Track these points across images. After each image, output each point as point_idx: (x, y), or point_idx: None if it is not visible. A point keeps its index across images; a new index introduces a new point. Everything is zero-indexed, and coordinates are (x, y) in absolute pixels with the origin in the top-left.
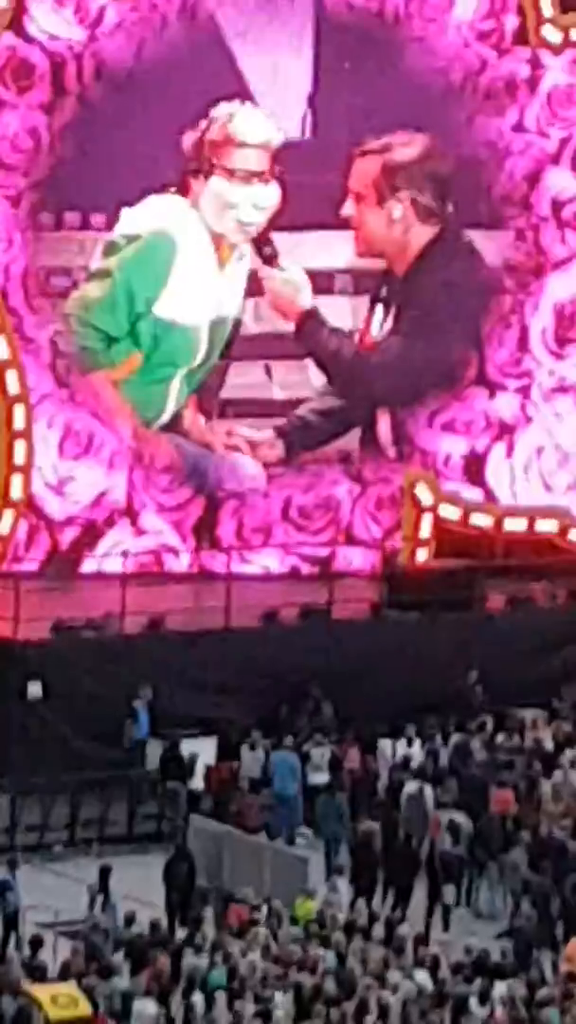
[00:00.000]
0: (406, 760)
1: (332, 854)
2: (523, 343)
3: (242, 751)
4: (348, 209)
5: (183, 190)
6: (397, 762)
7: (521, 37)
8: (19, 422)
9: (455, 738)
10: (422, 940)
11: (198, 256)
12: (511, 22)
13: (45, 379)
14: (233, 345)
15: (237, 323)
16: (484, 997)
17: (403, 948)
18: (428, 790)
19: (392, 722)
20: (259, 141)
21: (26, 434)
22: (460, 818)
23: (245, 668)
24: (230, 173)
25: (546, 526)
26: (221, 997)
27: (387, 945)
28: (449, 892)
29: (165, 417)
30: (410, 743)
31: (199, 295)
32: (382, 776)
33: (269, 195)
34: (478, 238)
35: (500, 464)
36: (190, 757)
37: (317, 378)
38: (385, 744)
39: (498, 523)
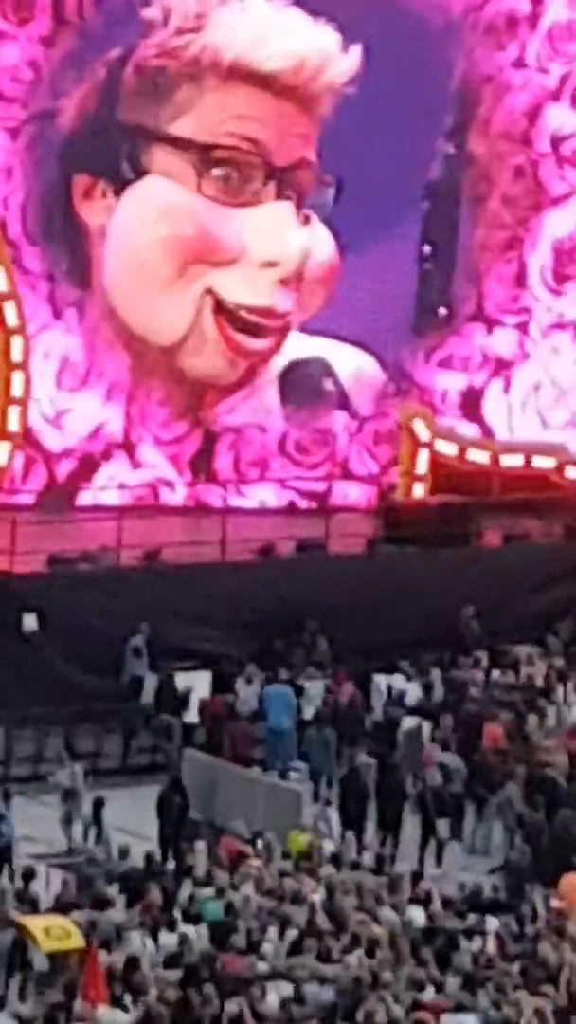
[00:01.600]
0: (400, 695)
1: (319, 786)
2: (521, 279)
3: (237, 685)
4: None
5: None
6: (392, 697)
7: None
8: (16, 354)
9: (450, 673)
10: (415, 876)
11: None
12: None
13: (43, 311)
14: None
15: None
16: (475, 932)
17: (395, 883)
18: (426, 727)
19: (387, 657)
20: None
21: (23, 366)
22: (450, 759)
23: (241, 602)
24: None
25: (543, 462)
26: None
27: (379, 879)
28: (443, 827)
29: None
30: (409, 679)
31: None
32: (376, 710)
33: None
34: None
35: (497, 400)
36: (185, 690)
37: None
38: (379, 679)
39: (495, 459)
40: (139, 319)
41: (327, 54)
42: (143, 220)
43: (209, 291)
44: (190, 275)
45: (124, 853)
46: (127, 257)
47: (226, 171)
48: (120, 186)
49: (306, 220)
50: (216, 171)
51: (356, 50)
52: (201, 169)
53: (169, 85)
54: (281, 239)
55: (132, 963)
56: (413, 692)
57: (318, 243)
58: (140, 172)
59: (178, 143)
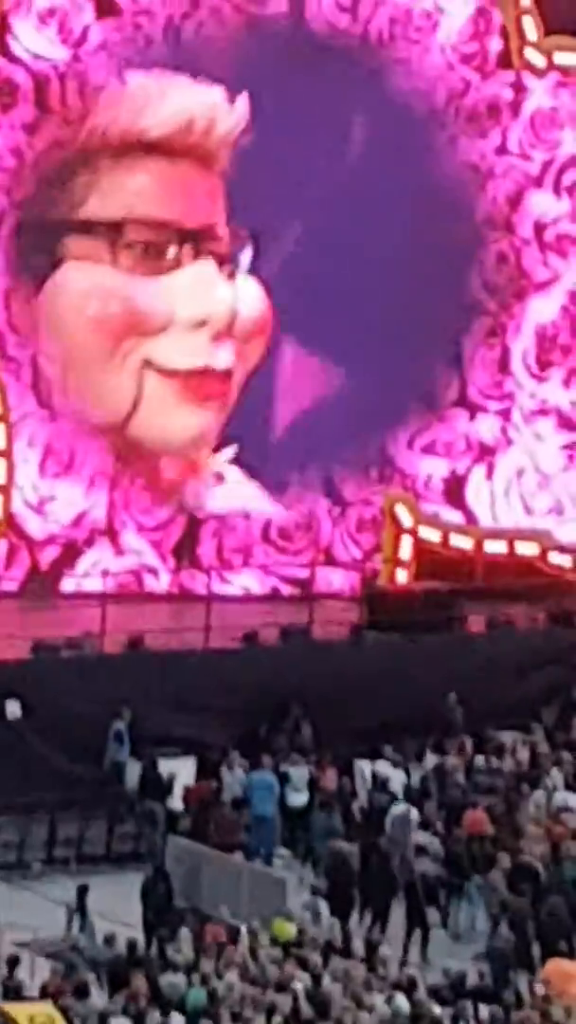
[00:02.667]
0: (384, 781)
1: (314, 877)
2: (504, 365)
3: (221, 771)
4: None
5: None
6: (377, 783)
7: (505, 60)
8: (0, 441)
9: (434, 760)
10: (400, 962)
11: None
12: (495, 45)
13: (27, 398)
14: None
15: None
16: (461, 1019)
17: (381, 969)
18: (414, 812)
19: (371, 743)
20: None
21: (6, 453)
22: (427, 839)
23: (225, 688)
24: None
25: (526, 548)
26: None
27: (365, 966)
28: (430, 914)
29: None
30: (393, 764)
31: None
32: (360, 796)
33: None
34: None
35: (480, 486)
36: (168, 777)
37: None
38: (363, 765)
39: (478, 545)
40: (87, 401)
41: (214, 108)
42: (68, 307)
43: (147, 362)
44: (124, 350)
45: (109, 941)
46: (62, 345)
47: (139, 244)
48: (41, 281)
49: (231, 275)
50: (129, 247)
51: (243, 100)
52: (114, 247)
53: (67, 174)
54: (207, 297)
55: None
56: (397, 778)
57: (246, 297)
58: (56, 262)
59: (87, 227)
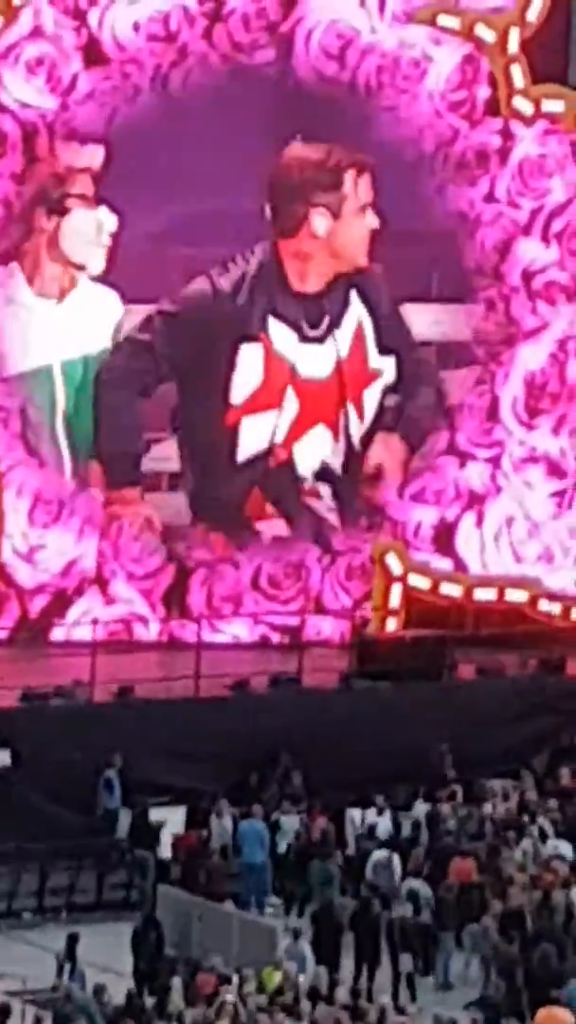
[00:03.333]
0: (371, 829)
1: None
2: (494, 413)
3: (211, 819)
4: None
5: None
6: (363, 831)
7: (493, 108)
8: None
9: (424, 808)
10: (391, 1010)
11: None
12: (483, 93)
13: (16, 447)
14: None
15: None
16: None
17: (373, 1018)
18: (396, 859)
19: (361, 791)
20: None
21: None
22: (418, 885)
23: (215, 737)
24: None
25: (516, 596)
26: None
27: (352, 1014)
28: (407, 961)
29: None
30: (380, 812)
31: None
32: (349, 845)
33: None
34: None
35: (470, 534)
36: (158, 825)
37: None
38: (353, 813)
39: (468, 593)
40: None
41: None
42: None
43: None
44: None
45: (99, 991)
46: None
47: None
48: None
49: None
50: None
51: None
52: None
53: None
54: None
55: None
56: (386, 825)
57: None
58: None
59: None
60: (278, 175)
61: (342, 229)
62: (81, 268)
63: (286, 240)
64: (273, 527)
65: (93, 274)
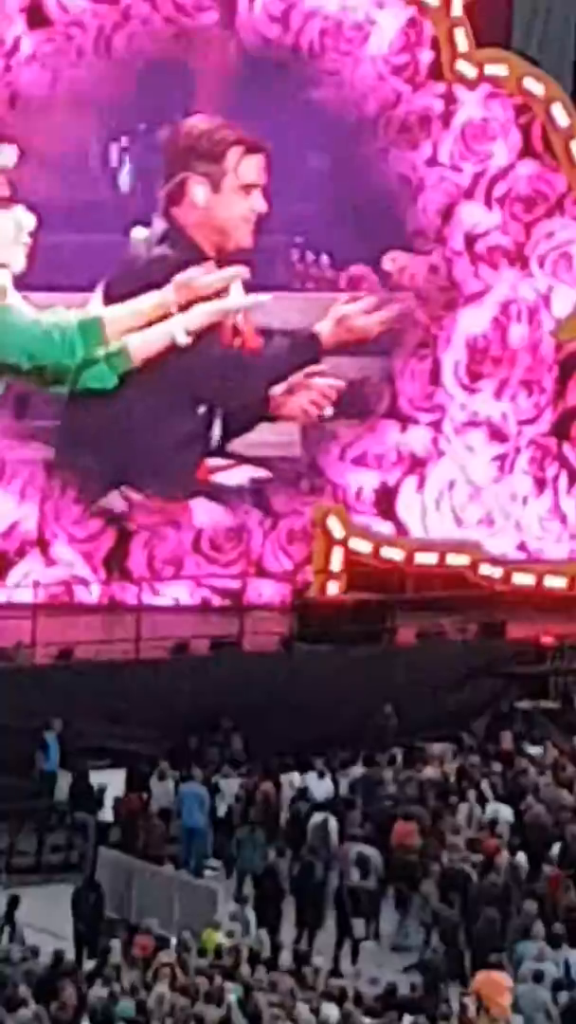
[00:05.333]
0: (303, 791)
1: (244, 885)
2: (435, 377)
3: (151, 783)
4: None
5: None
6: (296, 792)
7: (436, 71)
8: None
9: (364, 771)
10: (331, 972)
11: None
12: (426, 56)
13: None
14: None
15: None
16: None
17: (311, 980)
18: (333, 822)
19: (301, 754)
20: None
21: None
22: (369, 851)
23: (155, 700)
24: None
25: (457, 560)
26: None
27: (295, 977)
28: (359, 925)
29: None
30: (321, 776)
31: None
32: (284, 808)
33: None
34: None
35: (411, 498)
36: (99, 788)
37: None
38: (291, 776)
39: (409, 557)
40: None
41: None
42: None
43: None
44: None
45: (36, 952)
46: None
47: None
48: None
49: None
50: None
51: None
52: None
53: None
54: None
55: None
56: (325, 788)
57: None
58: None
59: None
60: (168, 143)
61: (221, 204)
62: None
63: (175, 208)
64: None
65: (15, 272)
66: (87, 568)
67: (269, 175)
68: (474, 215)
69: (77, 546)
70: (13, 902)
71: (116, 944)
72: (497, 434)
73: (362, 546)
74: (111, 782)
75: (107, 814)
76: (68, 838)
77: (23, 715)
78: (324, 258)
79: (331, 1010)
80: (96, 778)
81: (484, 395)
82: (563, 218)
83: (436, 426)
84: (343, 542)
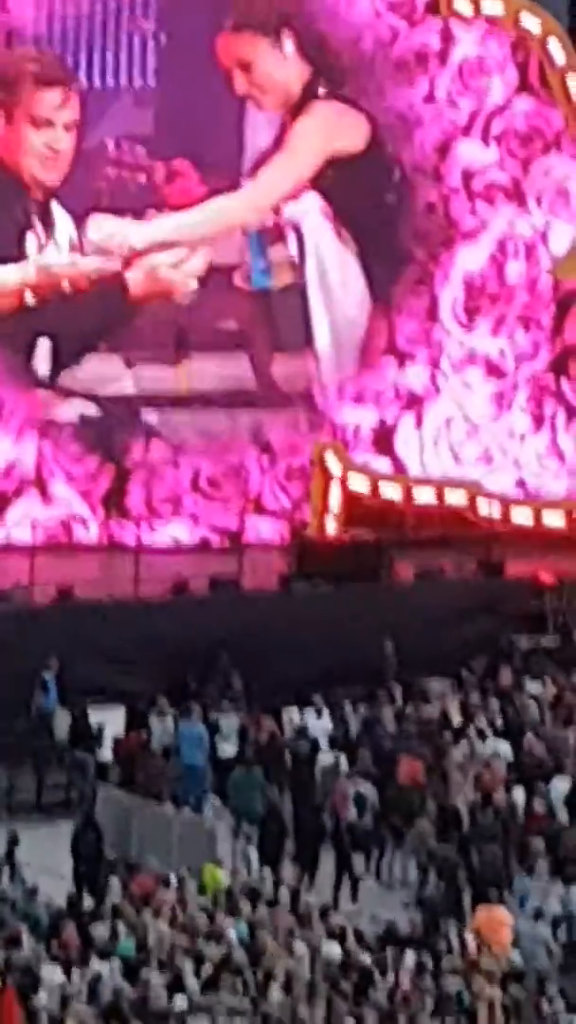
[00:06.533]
0: (302, 729)
1: (242, 824)
2: (433, 314)
3: (150, 721)
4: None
5: None
6: (295, 730)
7: (432, 8)
8: None
9: (364, 709)
10: (330, 910)
11: None
12: None
13: None
14: None
15: None
16: (391, 967)
17: (311, 918)
18: (334, 760)
19: (300, 692)
20: None
21: None
22: (367, 789)
23: (154, 638)
24: None
25: (455, 497)
26: (127, 966)
27: (295, 915)
28: (359, 863)
29: None
30: (319, 714)
31: None
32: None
33: None
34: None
35: (409, 435)
36: (98, 726)
37: None
38: (291, 714)
39: (407, 494)
40: None
41: None
42: None
43: None
44: None
45: (35, 891)
46: None
47: None
48: None
49: None
50: None
51: None
52: None
53: None
54: None
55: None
56: (325, 727)
57: None
58: None
59: None
60: None
61: (11, 135)
62: None
63: None
64: None
65: None
66: (85, 507)
67: (84, 112)
68: (471, 152)
69: (75, 485)
70: (12, 841)
71: (116, 882)
72: (495, 371)
73: (360, 484)
74: (110, 721)
75: (106, 753)
76: (67, 777)
77: (22, 655)
78: (139, 148)
79: (331, 947)
80: (95, 717)
81: (481, 332)
82: (560, 155)
83: (434, 363)
84: (341, 480)
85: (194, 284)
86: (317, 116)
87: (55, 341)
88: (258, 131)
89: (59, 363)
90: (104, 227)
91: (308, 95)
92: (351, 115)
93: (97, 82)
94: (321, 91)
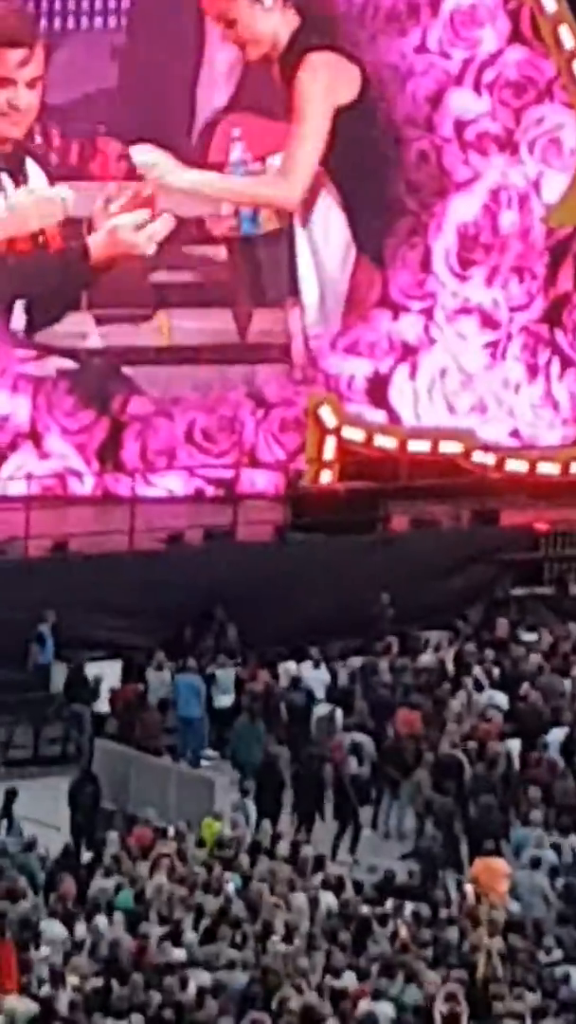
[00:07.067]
0: (296, 680)
1: (246, 776)
2: (426, 264)
3: (147, 673)
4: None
5: None
6: (290, 682)
7: None
8: None
9: (360, 660)
10: (328, 861)
11: None
12: None
13: None
14: None
15: None
16: (389, 918)
17: (308, 869)
18: (331, 712)
19: (296, 644)
20: None
21: None
22: (362, 738)
23: (149, 591)
24: None
25: (449, 447)
26: (126, 919)
27: (293, 866)
28: (362, 814)
29: None
30: (316, 665)
31: None
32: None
33: None
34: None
35: (404, 386)
36: (95, 679)
37: None
38: (288, 666)
39: (402, 445)
40: None
41: None
42: None
43: None
44: None
45: (31, 845)
46: None
47: None
48: None
49: None
50: None
51: None
52: None
53: None
54: None
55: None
56: (321, 679)
57: None
58: None
59: None
60: None
61: None
62: None
63: None
64: None
65: None
66: (80, 460)
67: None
68: (463, 101)
69: (70, 438)
70: (11, 794)
71: (114, 835)
72: (489, 321)
73: (355, 434)
74: (106, 673)
75: (103, 705)
76: (64, 730)
77: (18, 608)
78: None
79: (329, 899)
80: (91, 669)
81: (475, 282)
82: (552, 104)
83: (428, 314)
84: (336, 431)
85: (153, 248)
86: (317, 72)
87: (31, 300)
88: (212, 91)
89: (33, 322)
90: (148, 155)
91: (299, 46)
92: (345, 66)
93: (71, 23)
94: (314, 41)
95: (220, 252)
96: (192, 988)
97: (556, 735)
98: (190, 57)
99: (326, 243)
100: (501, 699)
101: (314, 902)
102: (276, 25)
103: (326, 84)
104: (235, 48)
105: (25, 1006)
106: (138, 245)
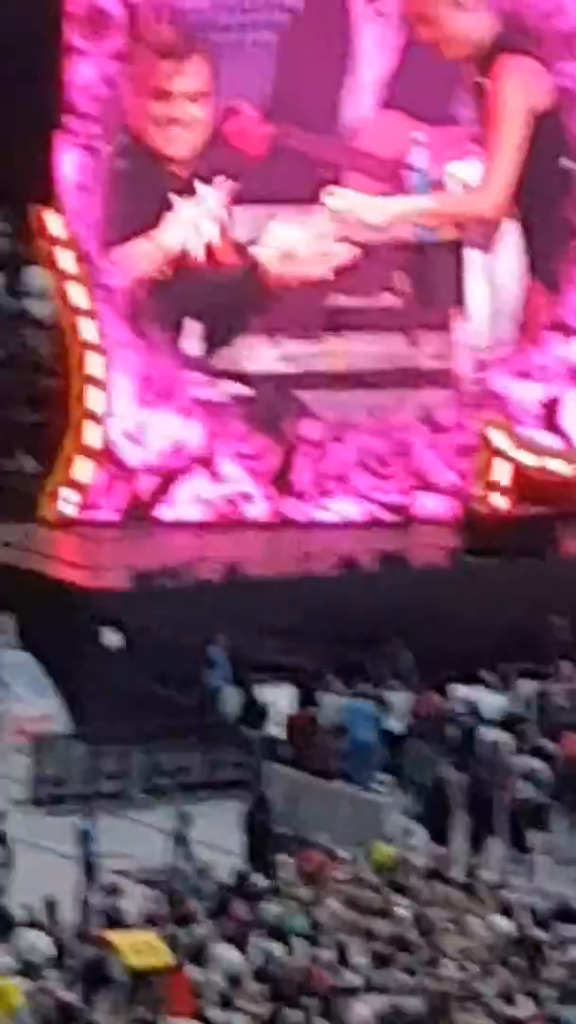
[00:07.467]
0: (474, 705)
1: (416, 802)
2: None
3: (320, 698)
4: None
5: None
6: (466, 709)
7: None
8: (96, 371)
9: (534, 684)
10: (501, 886)
11: None
12: None
13: (121, 328)
14: None
15: None
16: (564, 942)
17: (481, 894)
18: (505, 736)
19: (469, 668)
20: None
21: (103, 383)
22: (537, 764)
23: (322, 615)
24: None
25: None
26: (301, 944)
27: (466, 891)
28: (534, 839)
29: None
30: (490, 689)
31: None
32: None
33: None
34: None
35: None
36: (266, 704)
37: None
38: (460, 690)
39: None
40: None
41: None
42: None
43: None
44: None
45: (206, 870)
46: None
47: None
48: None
49: None
50: None
51: None
52: None
53: None
54: None
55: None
56: (495, 703)
57: None
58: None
59: None
60: None
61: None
62: None
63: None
64: None
65: None
66: (253, 485)
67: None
68: None
69: (243, 463)
70: (185, 819)
71: (286, 859)
72: None
73: (528, 459)
74: (279, 698)
75: (274, 729)
76: (238, 755)
77: (191, 632)
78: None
79: (503, 923)
80: (264, 694)
81: None
82: None
83: None
84: (509, 455)
85: (330, 275)
86: (513, 75)
87: (203, 321)
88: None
89: (211, 343)
90: (341, 200)
91: (497, 48)
92: (541, 74)
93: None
94: (515, 45)
95: (395, 277)
96: (365, 1013)
97: None
98: (338, 65)
99: (499, 258)
100: None
101: (487, 927)
102: (475, 27)
103: (524, 88)
104: (389, 53)
105: None
106: (316, 270)
